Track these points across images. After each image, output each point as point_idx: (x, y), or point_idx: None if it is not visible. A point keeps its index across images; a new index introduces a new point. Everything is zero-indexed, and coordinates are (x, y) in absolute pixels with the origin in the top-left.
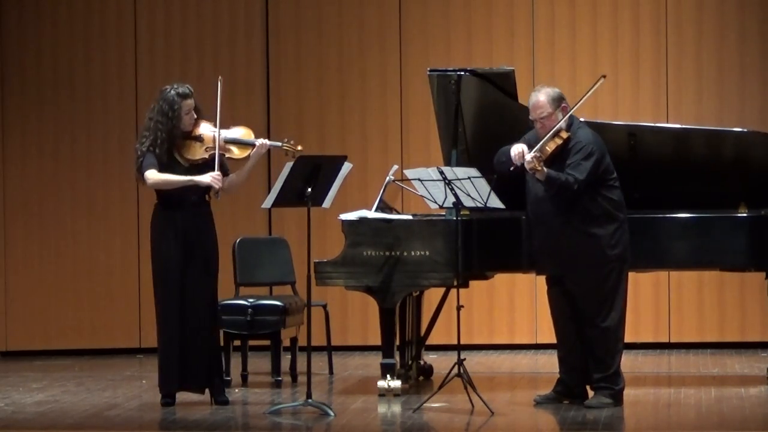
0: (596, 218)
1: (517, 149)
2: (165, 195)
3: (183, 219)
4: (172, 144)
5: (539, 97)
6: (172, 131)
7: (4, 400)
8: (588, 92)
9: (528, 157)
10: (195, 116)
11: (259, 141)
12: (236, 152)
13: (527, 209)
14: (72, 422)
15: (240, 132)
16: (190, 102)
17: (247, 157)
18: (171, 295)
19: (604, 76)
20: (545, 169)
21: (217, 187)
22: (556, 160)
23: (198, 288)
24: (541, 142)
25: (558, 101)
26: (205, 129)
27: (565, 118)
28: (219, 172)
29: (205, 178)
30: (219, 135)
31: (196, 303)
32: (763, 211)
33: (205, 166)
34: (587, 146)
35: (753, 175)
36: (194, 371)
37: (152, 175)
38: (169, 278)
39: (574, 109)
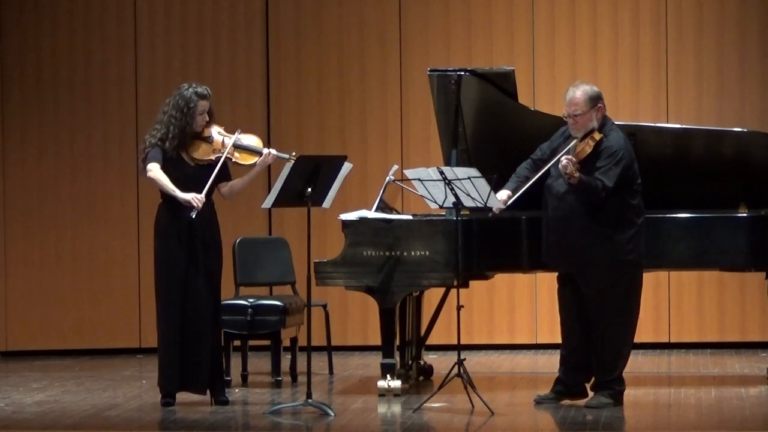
0: (616, 222)
1: (501, 197)
2: (171, 195)
3: (188, 218)
4: (182, 141)
5: (576, 94)
6: (185, 129)
7: (4, 400)
8: (565, 150)
9: (564, 161)
10: (207, 118)
11: (266, 150)
12: (243, 159)
13: (545, 206)
14: (72, 422)
15: (250, 140)
16: (206, 103)
17: (253, 165)
18: (174, 295)
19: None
20: (580, 175)
21: (195, 206)
22: (585, 160)
23: (202, 288)
24: (573, 144)
25: (595, 100)
26: (215, 132)
27: (593, 115)
28: (203, 196)
29: (187, 196)
30: (229, 144)
31: (200, 303)
32: (763, 211)
33: (210, 167)
34: (618, 151)
35: (753, 175)
36: (196, 372)
37: (154, 169)
38: (172, 277)
39: (526, 187)
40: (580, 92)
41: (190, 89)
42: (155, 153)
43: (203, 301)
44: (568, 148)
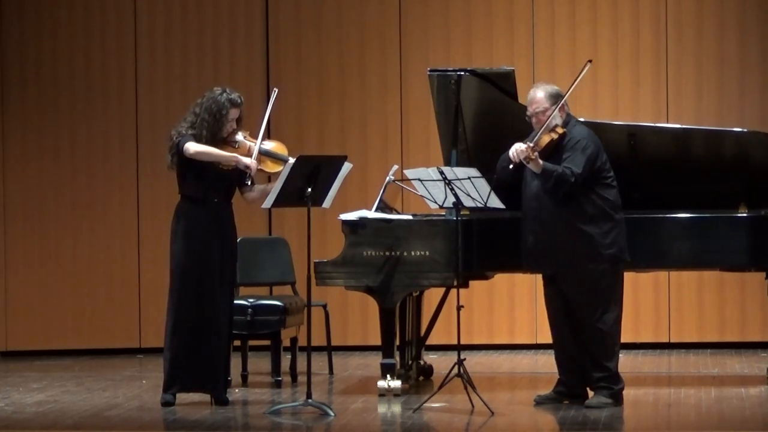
0: (591, 217)
1: (516, 147)
2: (191, 193)
3: (209, 217)
4: (212, 145)
5: (537, 93)
6: (216, 134)
7: (4, 400)
8: (577, 79)
9: (522, 146)
10: (235, 125)
11: (292, 160)
12: (270, 166)
13: (522, 206)
14: (72, 422)
15: (276, 147)
16: (237, 111)
17: (278, 173)
18: (192, 294)
19: (590, 61)
20: (541, 160)
21: (252, 171)
22: (552, 156)
23: (218, 288)
24: (536, 135)
25: (555, 98)
26: (240, 136)
27: (555, 111)
28: (254, 160)
29: (246, 160)
30: (260, 141)
31: (217, 303)
32: (763, 211)
33: (235, 171)
34: (582, 141)
35: (753, 175)
36: (211, 373)
37: (193, 145)
38: (192, 277)
39: (566, 96)
40: (540, 91)
41: (224, 95)
42: (189, 138)
43: (220, 300)
44: (532, 138)
